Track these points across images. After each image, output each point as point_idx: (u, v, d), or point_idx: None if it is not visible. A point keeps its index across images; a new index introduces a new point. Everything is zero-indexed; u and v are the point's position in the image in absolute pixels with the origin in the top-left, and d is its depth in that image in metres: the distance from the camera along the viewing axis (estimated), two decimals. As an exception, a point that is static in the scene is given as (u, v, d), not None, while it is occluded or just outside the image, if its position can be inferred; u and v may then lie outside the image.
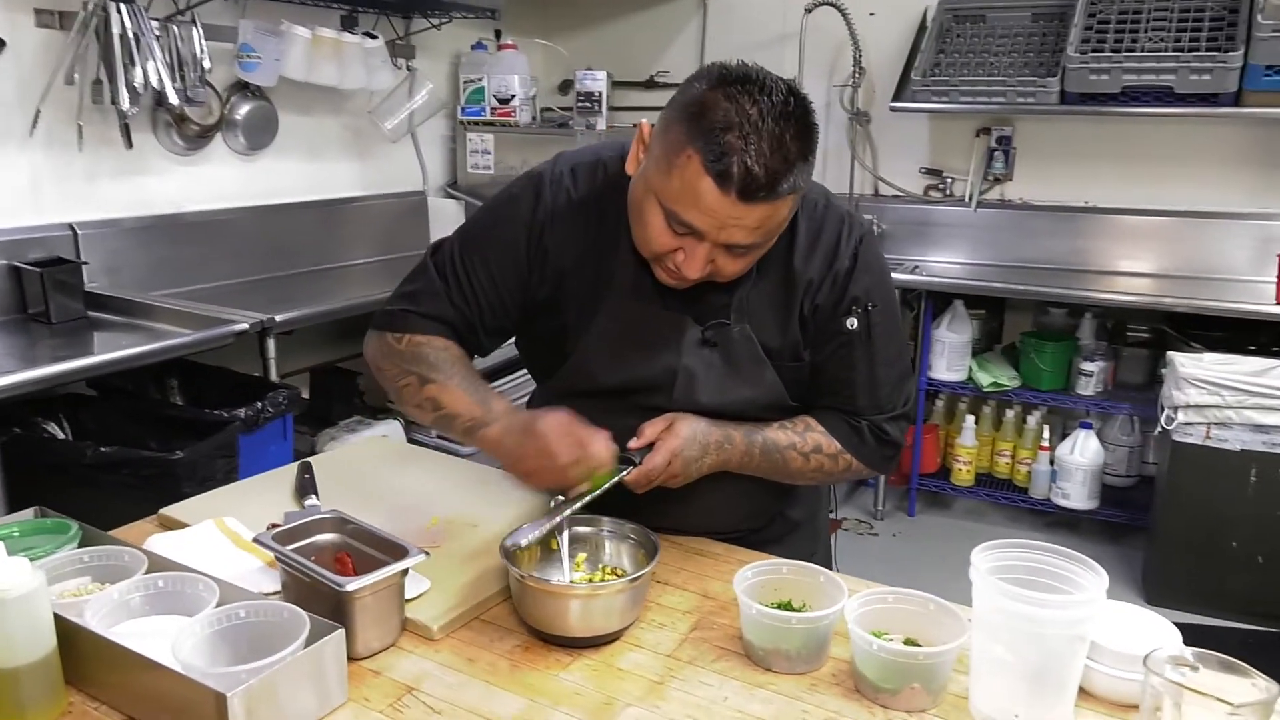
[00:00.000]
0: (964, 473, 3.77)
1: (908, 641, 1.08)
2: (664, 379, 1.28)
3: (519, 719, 0.99)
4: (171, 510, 1.41)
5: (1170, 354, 3.15)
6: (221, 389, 2.59)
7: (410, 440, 3.24)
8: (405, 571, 1.09)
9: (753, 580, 1.14)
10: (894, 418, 1.34)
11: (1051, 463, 3.64)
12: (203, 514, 1.36)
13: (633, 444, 1.22)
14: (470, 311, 1.31)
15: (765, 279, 1.27)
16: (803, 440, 1.30)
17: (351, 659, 1.06)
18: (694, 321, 1.27)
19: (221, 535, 1.29)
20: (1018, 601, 0.94)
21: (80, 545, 1.19)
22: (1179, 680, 0.88)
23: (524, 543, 1.10)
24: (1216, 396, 2.99)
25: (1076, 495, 3.57)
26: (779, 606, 1.14)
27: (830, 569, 1.55)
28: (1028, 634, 0.94)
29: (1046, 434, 3.67)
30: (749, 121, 1.06)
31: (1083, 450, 3.54)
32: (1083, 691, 1.00)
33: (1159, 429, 3.18)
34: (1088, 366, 3.56)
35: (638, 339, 1.28)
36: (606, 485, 1.17)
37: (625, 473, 1.19)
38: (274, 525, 1.29)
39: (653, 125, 1.17)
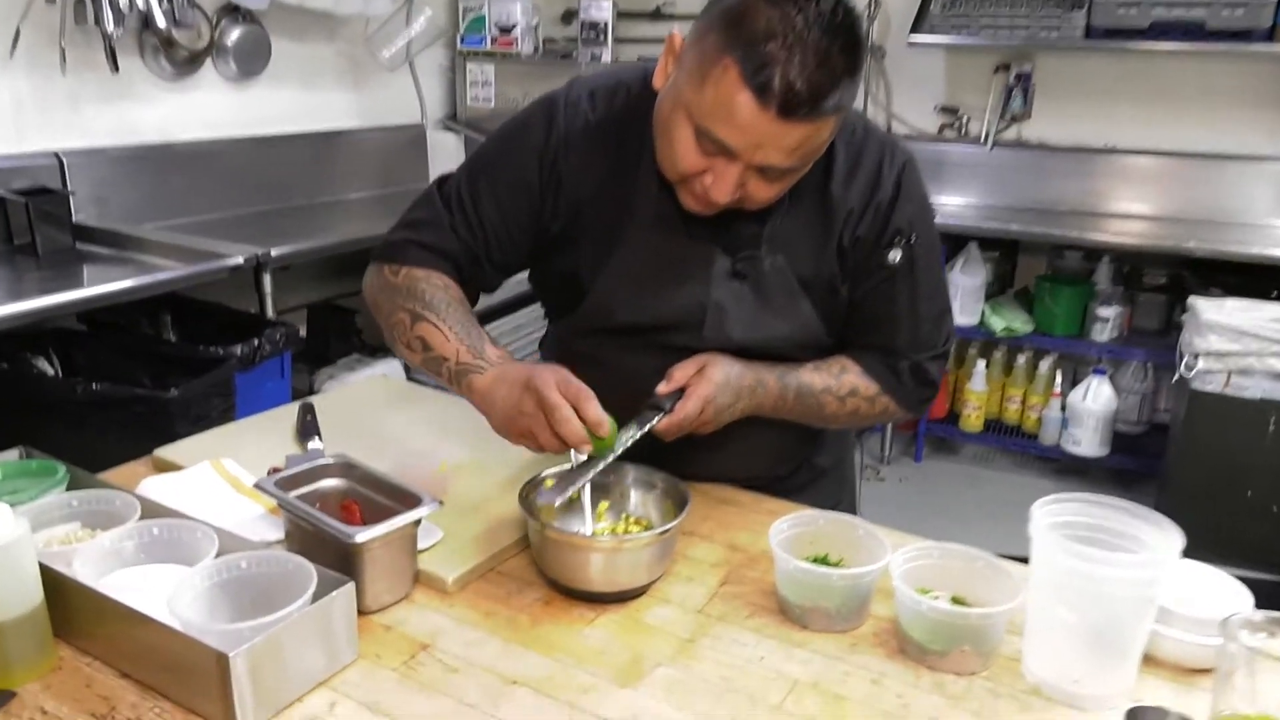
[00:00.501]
0: (973, 418, 3.72)
1: (955, 600, 1.02)
2: (692, 315, 1.19)
3: (543, 680, 0.92)
4: (166, 451, 1.33)
5: (1192, 299, 3.07)
6: (216, 325, 2.52)
7: (410, 379, 3.17)
8: (418, 521, 1.01)
9: (788, 533, 1.07)
10: (934, 357, 1.26)
11: (1063, 409, 3.58)
12: (199, 456, 1.28)
13: (661, 389, 1.14)
14: (475, 244, 1.21)
15: (799, 207, 1.17)
16: (838, 383, 1.23)
17: (361, 613, 0.99)
18: (723, 252, 1.18)
19: (219, 479, 1.22)
20: (1084, 560, 0.87)
21: (68, 489, 1.12)
22: (1258, 646, 0.81)
23: (558, 503, 1.03)
24: (1238, 343, 2.91)
25: (1088, 442, 3.52)
26: (815, 560, 1.08)
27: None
28: (1093, 594, 0.88)
29: (1059, 380, 3.61)
30: (793, 31, 0.96)
31: (1095, 397, 3.48)
32: (1145, 655, 0.93)
33: (1176, 376, 3.12)
34: (1104, 312, 3.48)
35: (662, 272, 1.19)
36: (637, 435, 1.09)
37: (656, 420, 1.11)
38: (275, 469, 1.22)
39: (684, 36, 1.07)
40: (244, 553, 0.95)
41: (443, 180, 1.25)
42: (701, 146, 1.04)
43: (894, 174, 1.18)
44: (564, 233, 1.21)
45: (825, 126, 1.02)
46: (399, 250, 1.21)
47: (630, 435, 1.09)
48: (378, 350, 3.28)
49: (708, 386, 1.13)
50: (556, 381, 1.02)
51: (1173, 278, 3.63)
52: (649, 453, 1.13)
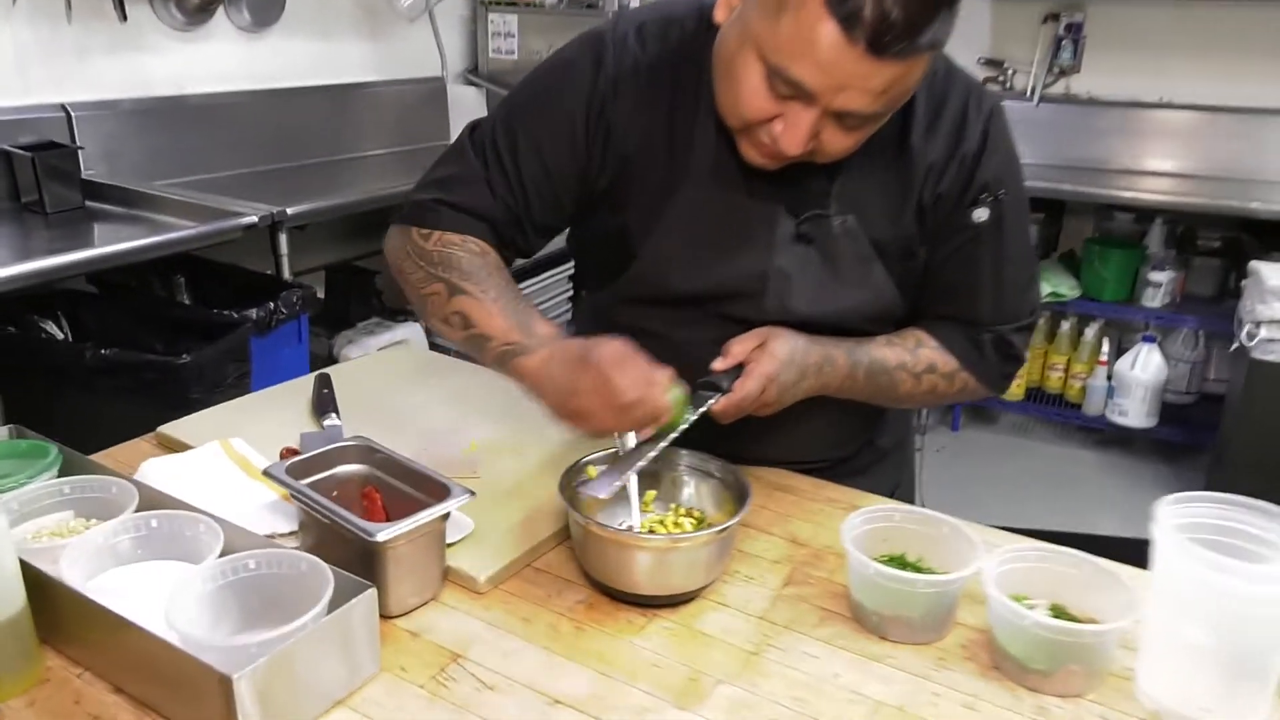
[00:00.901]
0: (1013, 387, 3.56)
1: (1055, 610, 0.90)
2: (752, 283, 1.06)
3: (591, 699, 0.81)
4: (171, 429, 1.22)
5: (1254, 264, 2.91)
6: (231, 288, 2.42)
7: (432, 346, 3.06)
8: (447, 515, 0.90)
9: (860, 529, 0.95)
10: (1020, 328, 1.13)
11: (1109, 378, 3.43)
12: (207, 433, 1.17)
13: (717, 365, 1.02)
14: (515, 203, 1.08)
15: (873, 160, 1.04)
16: (914, 358, 1.10)
17: (384, 617, 0.88)
18: (787, 212, 1.05)
19: (228, 461, 1.11)
20: (1222, 573, 0.75)
21: (61, 472, 1.01)
22: None
23: (604, 494, 0.91)
24: (1302, 309, 2.75)
25: (1135, 413, 3.38)
26: (890, 561, 0.96)
27: (913, 502, 1.38)
28: (1233, 614, 0.76)
29: (1105, 347, 3.46)
30: None
31: (1144, 366, 3.33)
32: (1283, 679, 0.81)
33: (1235, 345, 2.96)
34: (1156, 276, 3.32)
35: (719, 235, 1.06)
36: (692, 418, 0.97)
37: (713, 401, 0.99)
38: (289, 451, 1.11)
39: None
40: (252, 551, 0.84)
41: (474, 127, 1.11)
42: (772, 88, 0.90)
43: (980, 122, 1.04)
44: (610, 189, 1.08)
45: (917, 66, 0.88)
46: (429, 212, 1.08)
47: (685, 418, 0.97)
48: (399, 314, 3.17)
49: (770, 363, 1.00)
50: (618, 356, 0.90)
51: (1228, 241, 3.46)
52: (693, 434, 1.00)
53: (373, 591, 0.80)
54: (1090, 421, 3.51)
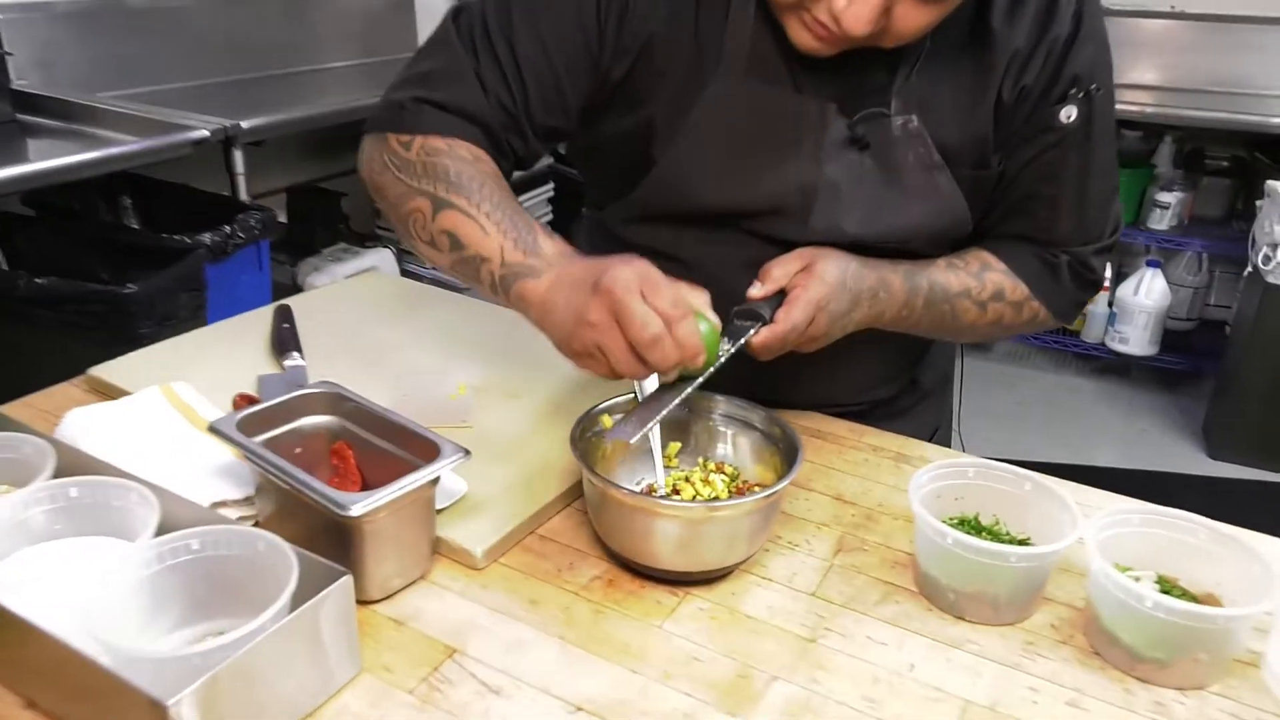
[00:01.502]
0: (1012, 313, 3.44)
1: (1162, 582, 0.76)
2: (796, 197, 0.89)
3: (619, 705, 0.66)
4: (104, 370, 1.04)
5: (1271, 183, 2.76)
6: (183, 210, 2.22)
7: (403, 272, 2.87)
8: (436, 480, 0.74)
9: (928, 488, 0.80)
10: (1100, 250, 0.98)
11: (1110, 304, 3.31)
12: (146, 376, 0.99)
13: (754, 292, 0.85)
14: (512, 100, 0.89)
15: (943, 48, 0.87)
16: (979, 284, 0.94)
17: (362, 603, 0.73)
18: (838, 111, 0.88)
19: (170, 410, 0.93)
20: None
21: (-35, 427, 0.84)
22: None
23: (632, 440, 0.74)
24: (1321, 233, 2.62)
25: (1136, 340, 3.26)
26: (960, 525, 0.81)
27: (950, 445, 1.24)
28: None
29: (1108, 272, 3.32)
30: None
31: (1148, 291, 3.21)
32: None
33: (1249, 269, 2.84)
34: (1164, 198, 3.17)
35: (758, 138, 0.89)
36: (730, 352, 0.81)
37: (752, 333, 0.83)
38: (244, 399, 0.94)
39: None
40: (196, 529, 0.67)
41: (459, 11, 0.91)
42: None
43: (1074, 2, 0.87)
44: (626, 81, 0.90)
45: None
46: (409, 113, 0.89)
47: (720, 355, 0.80)
48: (367, 239, 2.97)
49: (819, 288, 0.84)
50: (637, 280, 0.71)
51: (1236, 160, 3.32)
52: (716, 375, 0.82)
53: (348, 579, 0.64)
54: (1089, 349, 3.40)
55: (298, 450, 0.81)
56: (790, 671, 0.70)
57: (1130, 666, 0.71)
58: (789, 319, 0.82)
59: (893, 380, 1.10)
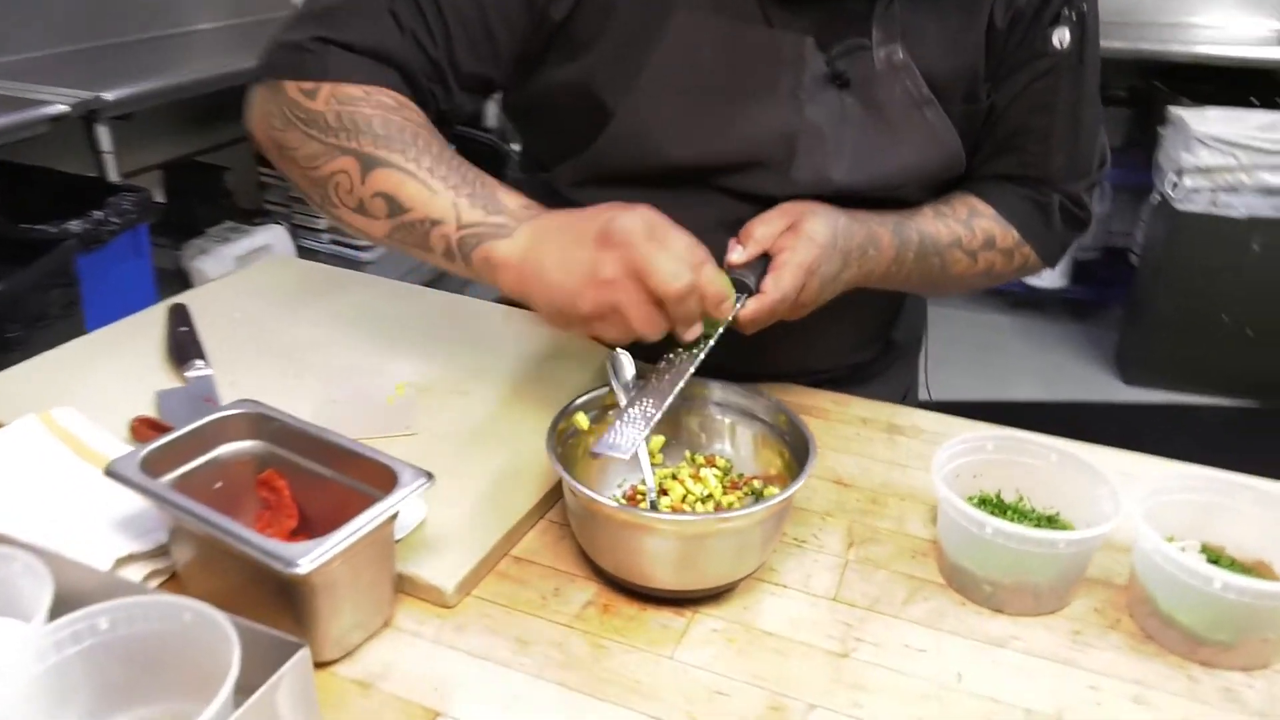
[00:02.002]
0: (925, 254, 3.43)
1: (1207, 552, 0.70)
2: (775, 146, 0.79)
3: (642, 763, 0.57)
4: (-35, 397, 0.87)
5: (1175, 110, 2.79)
6: (46, 196, 2.01)
7: (300, 250, 2.67)
8: (395, 514, 0.62)
9: (947, 468, 0.72)
10: (1091, 186, 0.91)
11: (1021, 239, 3.32)
12: (19, 402, 0.84)
13: (734, 258, 0.75)
14: (433, 42, 0.76)
15: None
16: (969, 232, 0.86)
17: (318, 664, 0.61)
18: (816, 47, 0.77)
19: (53, 441, 0.78)
20: None
21: None
22: None
23: (626, 454, 0.64)
24: (1230, 157, 2.66)
25: (1047, 273, 3.29)
26: (982, 504, 0.74)
27: (917, 401, 1.17)
28: None
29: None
30: None
31: (1058, 224, 3.23)
32: None
33: (1155, 197, 2.88)
34: (1068, 129, 3.18)
35: (727, 80, 0.78)
36: (719, 330, 0.71)
37: (739, 305, 0.73)
38: (144, 423, 0.80)
39: None
40: (105, 605, 0.54)
41: None
42: None
43: None
44: (570, 21, 0.77)
45: None
46: (311, 56, 0.74)
47: (708, 334, 0.70)
48: (255, 214, 2.75)
49: (808, 250, 0.74)
50: (652, 227, 0.63)
51: (1132, 89, 3.36)
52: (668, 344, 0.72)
53: (305, 654, 0.52)
54: (1004, 285, 3.42)
55: (218, 485, 0.67)
56: (828, 696, 0.61)
57: (1190, 651, 0.64)
58: (779, 287, 0.73)
59: (871, 342, 1.02)
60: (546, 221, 0.67)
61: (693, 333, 0.66)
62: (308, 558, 0.55)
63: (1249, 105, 2.89)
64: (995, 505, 0.74)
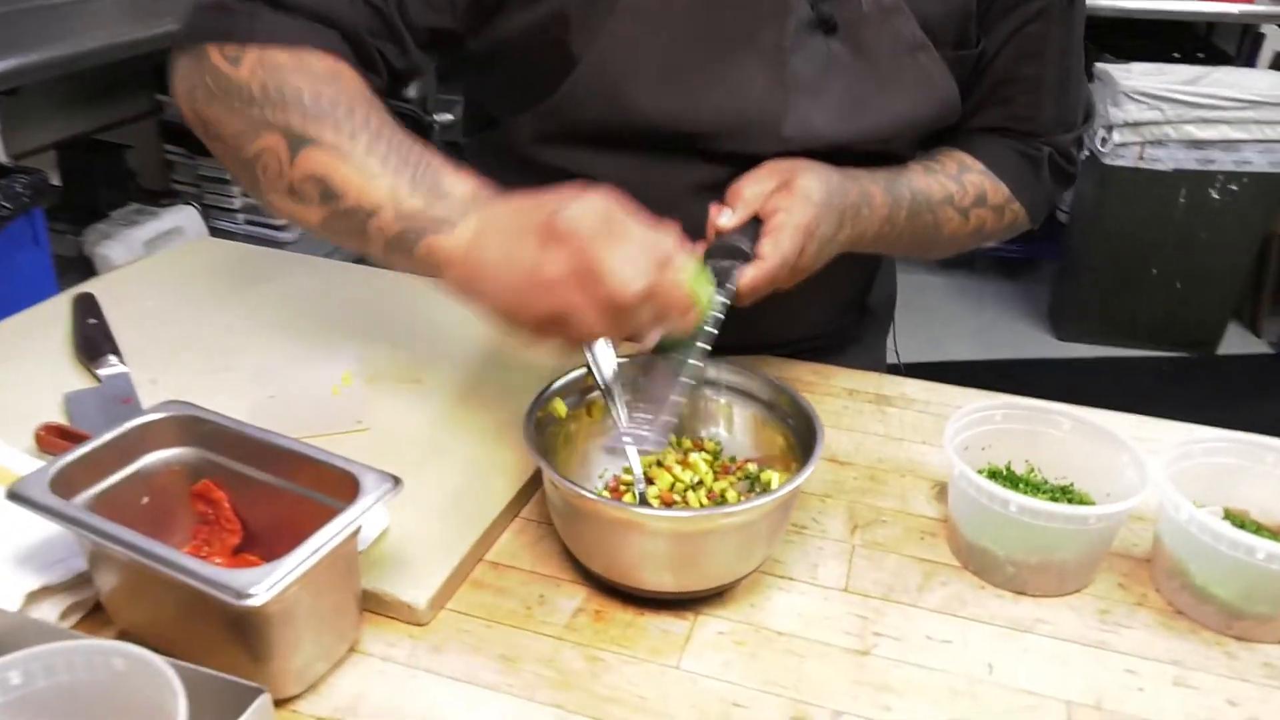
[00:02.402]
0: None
1: (1229, 516, 0.66)
2: (764, 102, 0.72)
3: (660, 794, 0.50)
4: None
5: (1102, 66, 2.80)
6: (-76, 182, 1.81)
7: (213, 233, 2.52)
8: (358, 529, 0.54)
9: (957, 440, 0.67)
10: (1078, 138, 0.87)
11: (952, 199, 3.33)
12: (-99, 412, 0.73)
13: (723, 221, 0.68)
14: None
15: None
16: (960, 188, 0.80)
17: (278, 702, 0.53)
18: None
19: (-55, 457, 0.68)
20: None
21: None
22: None
23: (654, 447, 0.57)
24: (1156, 111, 2.68)
25: (980, 232, 3.31)
26: (993, 479, 0.69)
27: (884, 366, 1.12)
28: None
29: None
30: None
31: (988, 182, 3.24)
32: None
33: (1085, 152, 2.89)
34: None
35: (706, 28, 0.71)
36: (724, 303, 0.65)
37: (732, 278, 0.66)
38: (52, 431, 0.70)
39: None
40: (16, 655, 0.45)
41: None
42: None
43: None
44: None
45: None
46: (238, 16, 0.65)
47: (713, 310, 0.64)
48: (162, 195, 2.58)
49: (805, 210, 0.67)
50: (605, 217, 0.53)
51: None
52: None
53: (265, 700, 0.44)
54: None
55: (145, 501, 0.58)
56: (853, 700, 0.56)
57: (1225, 625, 0.61)
58: (779, 251, 0.66)
59: (849, 308, 0.96)
60: (495, 211, 0.58)
61: (651, 340, 0.59)
62: (262, 586, 0.47)
63: (1173, 59, 2.93)
64: (1006, 478, 0.69)
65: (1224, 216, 2.79)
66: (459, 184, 0.61)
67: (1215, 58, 3.15)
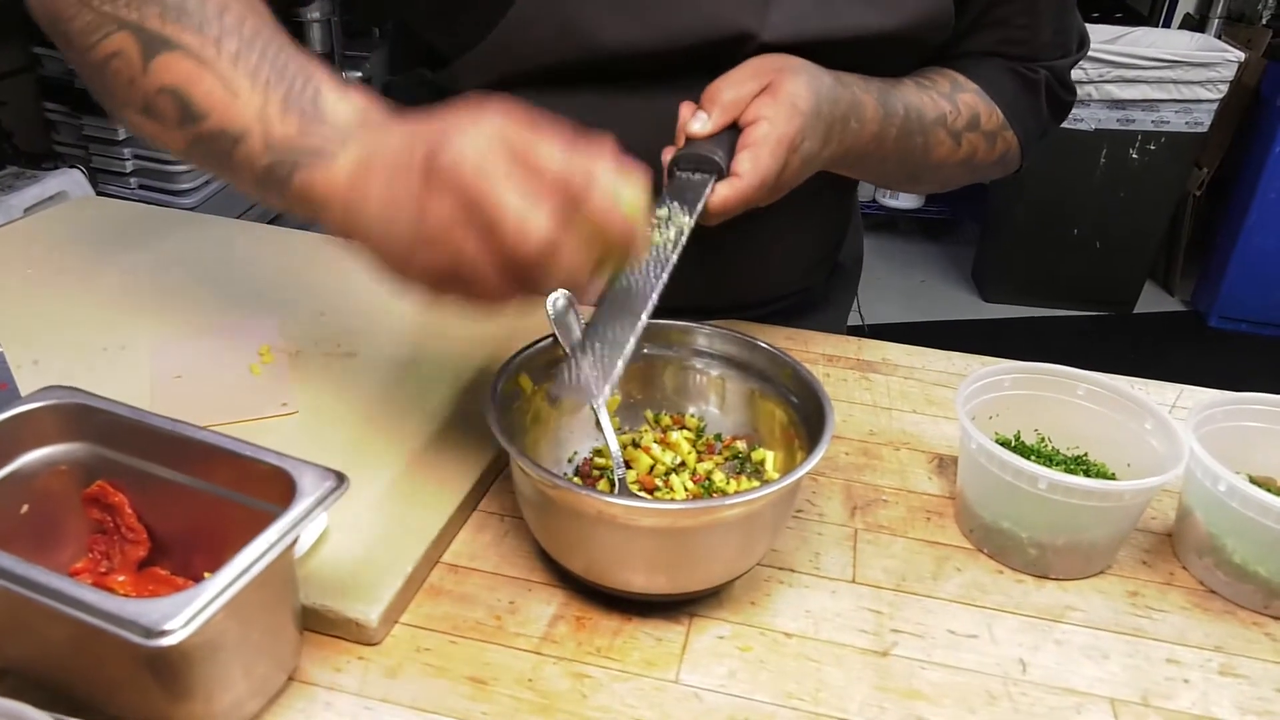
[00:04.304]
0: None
1: (1255, 484, 0.61)
2: (734, 11, 0.63)
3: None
4: None
5: (1025, 25, 2.79)
6: None
7: (100, 191, 2.32)
8: (294, 540, 0.44)
9: (968, 406, 0.61)
10: (1072, 66, 0.81)
11: (877, 160, 3.31)
12: None
13: (697, 128, 0.59)
14: None
15: None
16: (953, 108, 0.73)
17: (198, 752, 0.43)
18: None
19: None
20: None
21: None
22: None
23: (598, 400, 0.47)
24: (1079, 70, 2.68)
25: (902, 195, 3.30)
26: (1002, 445, 0.63)
27: (846, 325, 1.06)
28: None
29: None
30: None
31: (913, 143, 3.23)
32: None
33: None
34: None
35: None
36: (687, 226, 0.55)
37: (708, 190, 0.57)
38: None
39: None
40: None
41: None
42: None
43: None
44: None
45: None
46: None
47: (675, 230, 0.54)
48: (43, 158, 2.37)
49: (790, 120, 0.58)
50: (498, 148, 0.41)
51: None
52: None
53: (187, 767, 0.35)
54: (862, 207, 3.40)
55: (24, 510, 0.48)
56: (879, 710, 0.49)
57: (1265, 603, 0.56)
58: (758, 169, 0.57)
59: (822, 263, 0.89)
60: (381, 139, 0.46)
61: (592, 294, 0.47)
62: (178, 620, 0.37)
63: (1093, 19, 2.94)
64: (1017, 449, 0.63)
65: (1142, 177, 2.83)
66: (342, 105, 0.48)
67: (1132, 19, 3.19)
